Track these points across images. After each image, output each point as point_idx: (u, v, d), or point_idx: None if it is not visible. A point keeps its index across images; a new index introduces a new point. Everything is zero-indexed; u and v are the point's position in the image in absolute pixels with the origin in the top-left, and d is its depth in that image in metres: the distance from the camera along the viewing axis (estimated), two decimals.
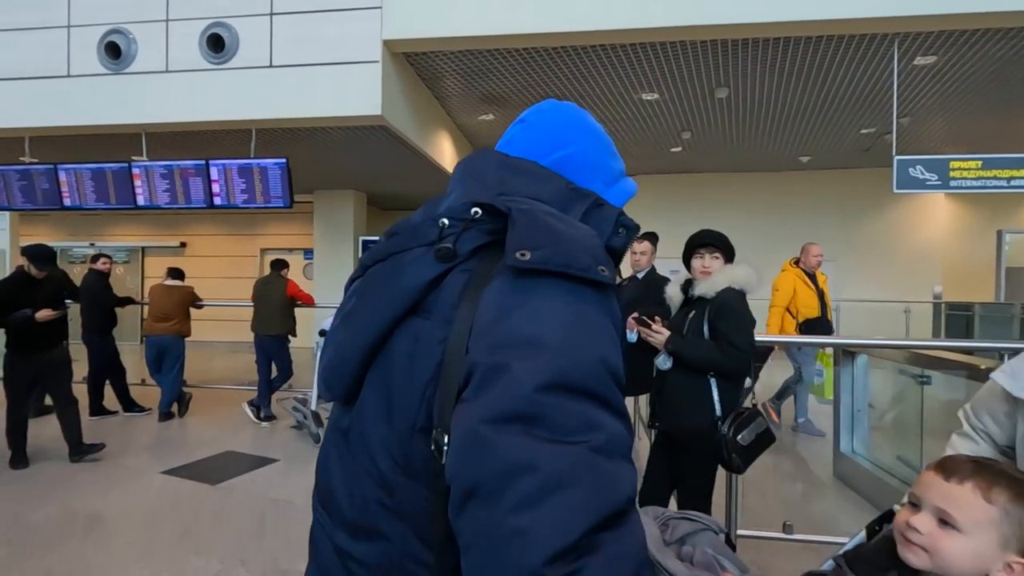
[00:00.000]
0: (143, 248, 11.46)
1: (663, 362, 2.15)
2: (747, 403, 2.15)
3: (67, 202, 5.93)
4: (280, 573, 2.56)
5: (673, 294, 2.28)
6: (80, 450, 4.01)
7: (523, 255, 0.53)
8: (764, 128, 8.03)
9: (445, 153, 7.82)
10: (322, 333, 4.59)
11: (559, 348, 0.51)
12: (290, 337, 5.32)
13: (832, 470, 3.91)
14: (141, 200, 5.79)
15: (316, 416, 4.55)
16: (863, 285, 10.51)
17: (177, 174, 5.69)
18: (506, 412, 0.49)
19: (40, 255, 3.96)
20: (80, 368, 5.54)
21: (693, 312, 2.17)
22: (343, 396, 0.67)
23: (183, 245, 11.66)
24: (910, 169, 5.06)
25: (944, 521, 0.81)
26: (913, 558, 0.84)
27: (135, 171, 5.74)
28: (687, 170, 10.41)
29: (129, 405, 5.33)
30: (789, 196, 10.84)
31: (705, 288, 2.11)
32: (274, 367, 5.28)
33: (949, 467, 0.86)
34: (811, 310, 4.95)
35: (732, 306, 2.04)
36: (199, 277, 10.22)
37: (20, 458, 3.90)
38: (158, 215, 11.49)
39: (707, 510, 2.09)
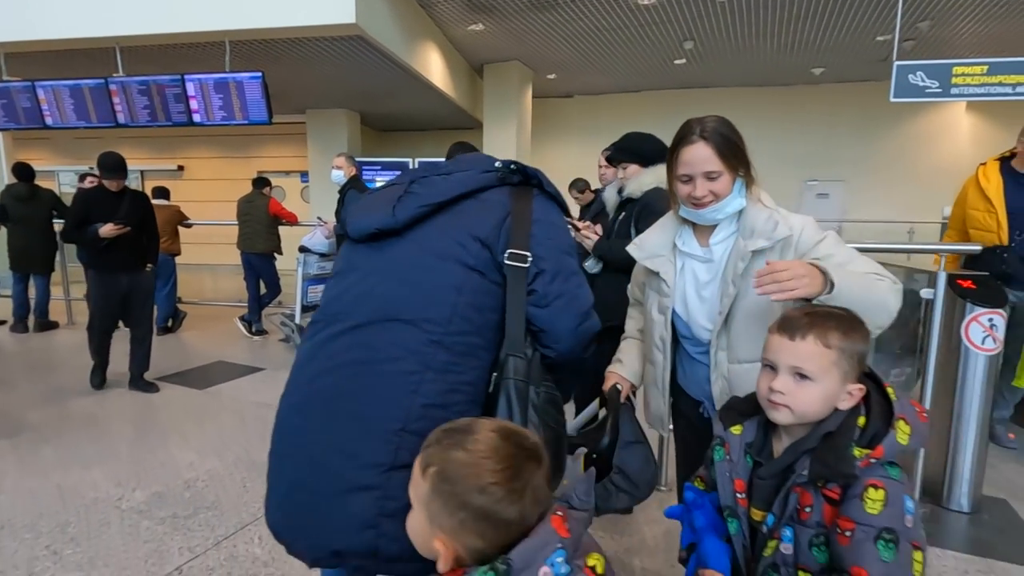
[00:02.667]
0: (142, 172, 11.48)
1: (592, 266, 2.18)
2: None
3: (49, 121, 5.92)
4: (250, 463, 2.78)
5: (609, 197, 2.28)
6: (140, 384, 3.84)
7: (548, 187, 1.13)
8: (773, 35, 7.55)
9: (433, 67, 7.53)
10: (302, 249, 4.68)
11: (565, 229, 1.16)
12: (276, 255, 5.42)
13: None
14: (121, 118, 5.76)
15: (301, 329, 4.72)
16: (874, 206, 10.24)
17: (155, 90, 5.61)
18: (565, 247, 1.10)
19: (111, 164, 3.50)
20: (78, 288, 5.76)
21: (623, 214, 2.17)
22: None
23: (180, 168, 11.66)
24: (910, 76, 4.78)
25: (799, 375, 0.91)
26: (780, 416, 0.94)
27: (112, 87, 5.66)
28: (692, 85, 9.93)
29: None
30: (800, 113, 10.36)
31: (632, 189, 2.10)
32: (263, 284, 5.43)
33: (790, 327, 0.95)
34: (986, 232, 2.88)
35: (652, 206, 2.03)
36: (197, 200, 10.29)
37: (100, 374, 3.82)
38: (155, 138, 11.40)
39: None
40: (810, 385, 0.92)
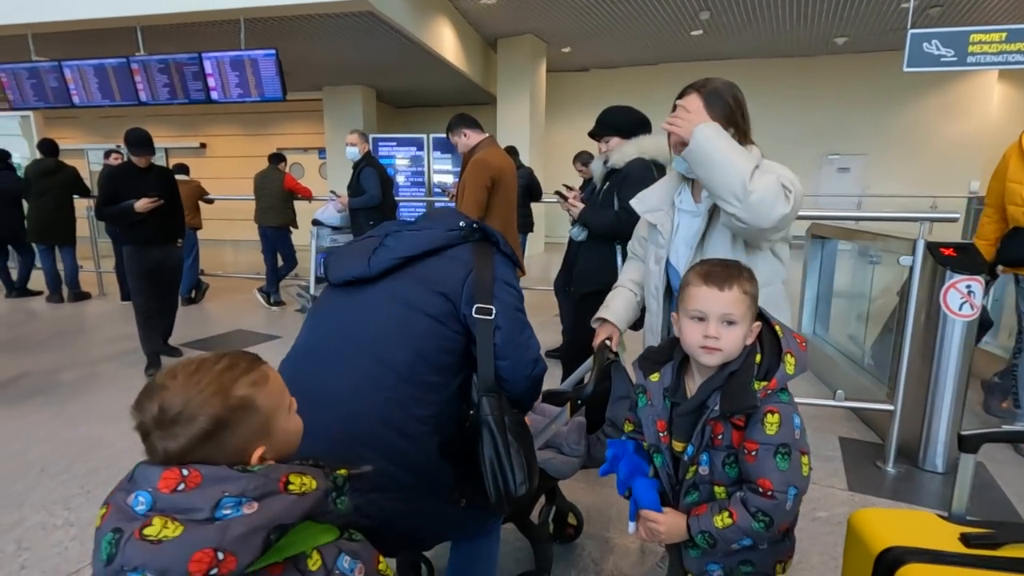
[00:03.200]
0: (166, 149, 11.79)
1: (576, 233, 2.29)
2: None
3: (76, 100, 6.15)
4: None
5: (596, 168, 2.36)
6: (163, 349, 3.93)
7: (504, 248, 1.29)
8: (793, 3, 7.38)
9: (446, 42, 7.56)
10: (315, 223, 4.85)
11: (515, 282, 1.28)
12: (291, 229, 5.60)
13: None
14: (143, 96, 5.96)
15: (316, 300, 4.92)
16: (896, 181, 10.02)
17: (174, 68, 5.78)
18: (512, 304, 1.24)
19: (138, 140, 3.54)
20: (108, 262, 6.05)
21: (607, 184, 2.26)
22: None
23: (203, 146, 11.93)
24: (924, 44, 4.69)
25: (728, 321, 1.04)
26: (712, 359, 1.06)
27: (134, 66, 5.85)
28: (708, 57, 9.76)
29: None
30: (820, 85, 10.12)
31: (615, 159, 2.19)
32: (280, 257, 5.64)
33: (714, 279, 1.06)
34: None
35: (632, 175, 2.12)
36: (219, 177, 10.59)
37: (155, 362, 3.73)
38: (178, 116, 11.67)
39: None
40: (735, 328, 1.04)
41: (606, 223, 2.16)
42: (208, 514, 0.63)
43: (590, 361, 1.62)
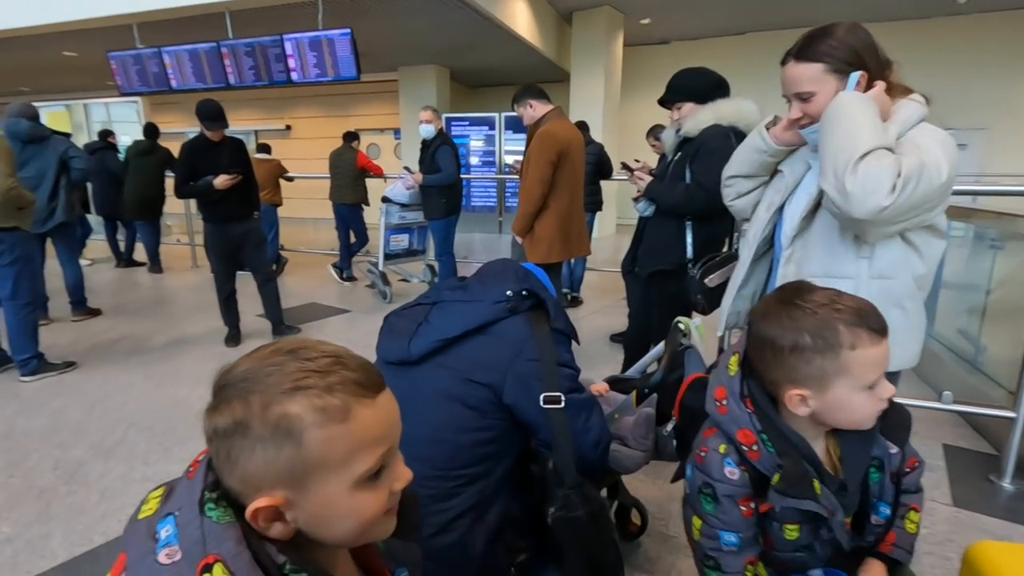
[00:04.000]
0: (256, 131, 12.47)
1: (643, 208, 2.12)
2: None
3: (173, 84, 6.57)
4: None
5: (667, 138, 2.17)
6: (280, 329, 3.99)
7: (555, 323, 1.20)
8: None
9: (519, 17, 7.40)
10: (384, 200, 4.92)
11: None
12: (363, 206, 5.74)
13: None
14: (232, 79, 6.26)
15: (383, 276, 5.02)
16: (1021, 157, 8.83)
17: (259, 51, 6.02)
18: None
19: (210, 112, 3.45)
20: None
21: (679, 155, 2.07)
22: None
23: (288, 128, 12.52)
24: None
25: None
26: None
27: (223, 50, 6.16)
28: (804, 24, 8.91)
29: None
30: (934, 50, 9.03)
31: (689, 127, 1.99)
32: (353, 233, 5.80)
33: (875, 322, 0.81)
34: None
35: (708, 144, 1.92)
36: (303, 158, 11.04)
37: (234, 335, 3.86)
38: (265, 100, 12.30)
39: None
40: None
41: (676, 198, 1.98)
42: (151, 526, 0.50)
43: (660, 347, 1.48)
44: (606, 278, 5.71)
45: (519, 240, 2.94)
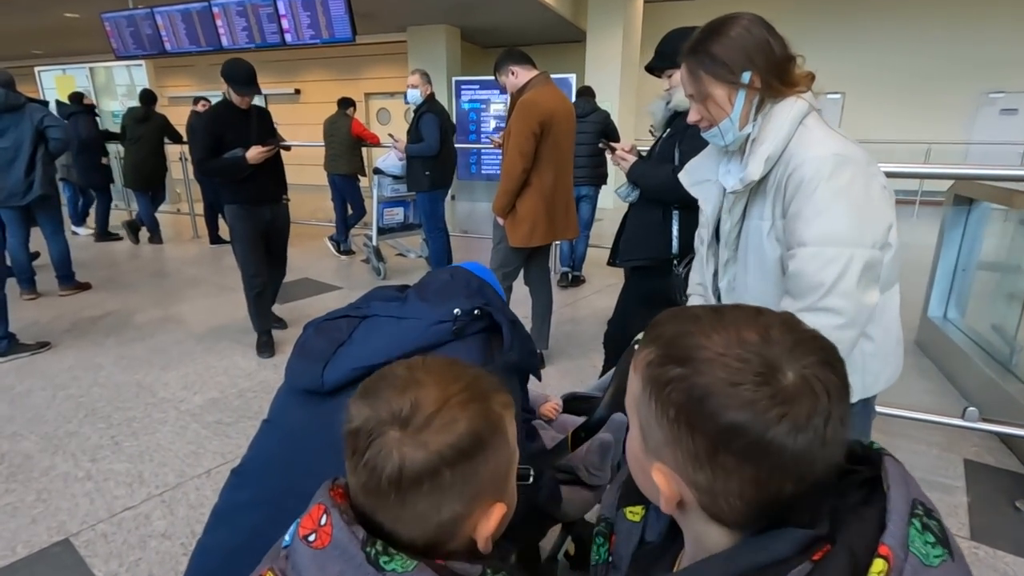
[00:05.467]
0: (265, 96, 12.22)
1: (626, 193, 1.84)
2: None
3: (168, 47, 6.35)
4: None
5: (656, 112, 1.87)
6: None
7: (508, 354, 0.97)
8: None
9: None
10: (376, 171, 4.68)
11: None
12: (359, 177, 5.50)
13: (915, 335, 3.36)
14: (225, 41, 6.01)
15: (378, 251, 4.82)
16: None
17: (250, 11, 5.73)
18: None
19: (243, 75, 2.89)
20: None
21: (668, 132, 1.78)
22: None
23: (297, 92, 12.23)
24: None
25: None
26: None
27: (215, 10, 5.89)
28: None
29: None
30: (983, 3, 8.23)
31: (679, 99, 1.69)
32: (349, 206, 5.58)
33: None
34: None
35: None
36: (313, 124, 10.79)
37: (267, 342, 3.21)
38: (274, 63, 11.99)
39: None
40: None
41: (659, 182, 1.70)
42: None
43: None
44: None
45: (500, 221, 2.69)
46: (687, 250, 1.73)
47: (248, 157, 2.91)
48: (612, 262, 1.99)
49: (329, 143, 5.35)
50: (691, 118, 1.07)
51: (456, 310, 0.95)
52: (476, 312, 0.97)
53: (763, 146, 0.99)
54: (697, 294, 1.30)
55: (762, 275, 1.06)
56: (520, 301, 3.09)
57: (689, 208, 1.73)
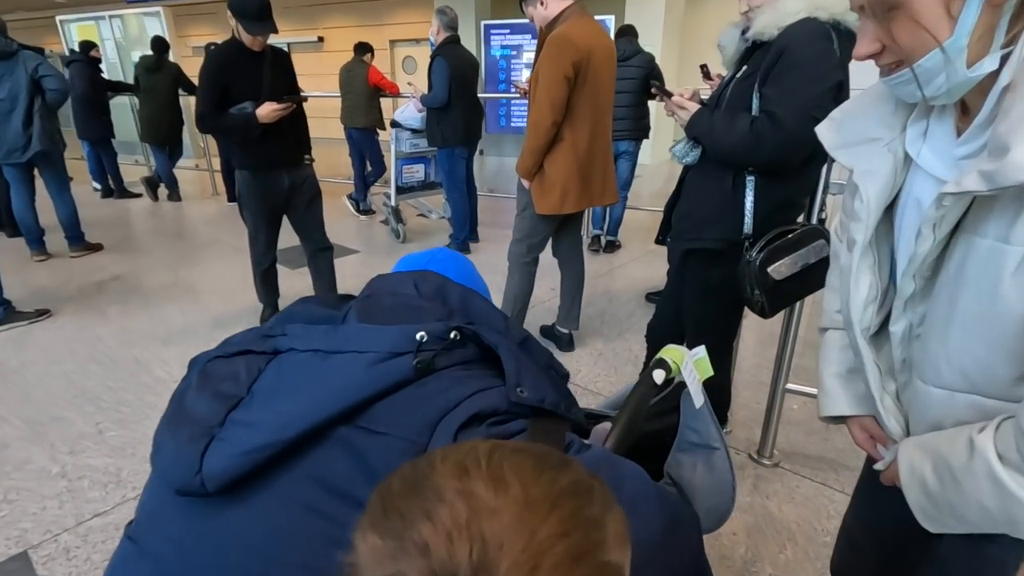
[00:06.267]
0: (288, 44, 11.75)
1: (683, 153, 1.43)
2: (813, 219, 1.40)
3: None
4: None
5: (727, 44, 1.42)
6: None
7: (521, 391, 0.62)
8: None
9: None
10: (394, 124, 4.29)
11: None
12: (379, 131, 5.12)
13: None
14: None
15: (397, 212, 4.49)
16: None
17: None
18: None
19: (255, 9, 2.34)
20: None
21: (743, 70, 1.35)
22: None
23: (320, 40, 11.73)
24: None
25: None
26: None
27: None
28: None
29: None
30: None
31: (763, 24, 1.25)
32: (368, 162, 5.24)
33: None
34: None
35: (796, 50, 1.19)
36: (337, 73, 10.36)
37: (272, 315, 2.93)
38: (298, 8, 11.47)
39: (724, 366, 1.54)
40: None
41: (733, 138, 1.29)
42: None
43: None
44: (654, 219, 4.95)
45: (525, 184, 2.30)
46: (764, 229, 1.33)
47: (259, 115, 2.38)
48: (662, 240, 1.60)
49: (345, 94, 4.95)
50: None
51: (420, 334, 0.61)
52: (453, 336, 0.63)
53: None
54: (834, 327, 0.87)
55: (983, 334, 0.60)
56: (546, 271, 2.74)
57: (771, 174, 1.32)
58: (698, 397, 0.84)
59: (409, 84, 4.04)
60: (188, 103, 6.20)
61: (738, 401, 2.20)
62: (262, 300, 2.99)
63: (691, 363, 0.85)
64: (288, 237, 3.02)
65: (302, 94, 2.72)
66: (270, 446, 0.54)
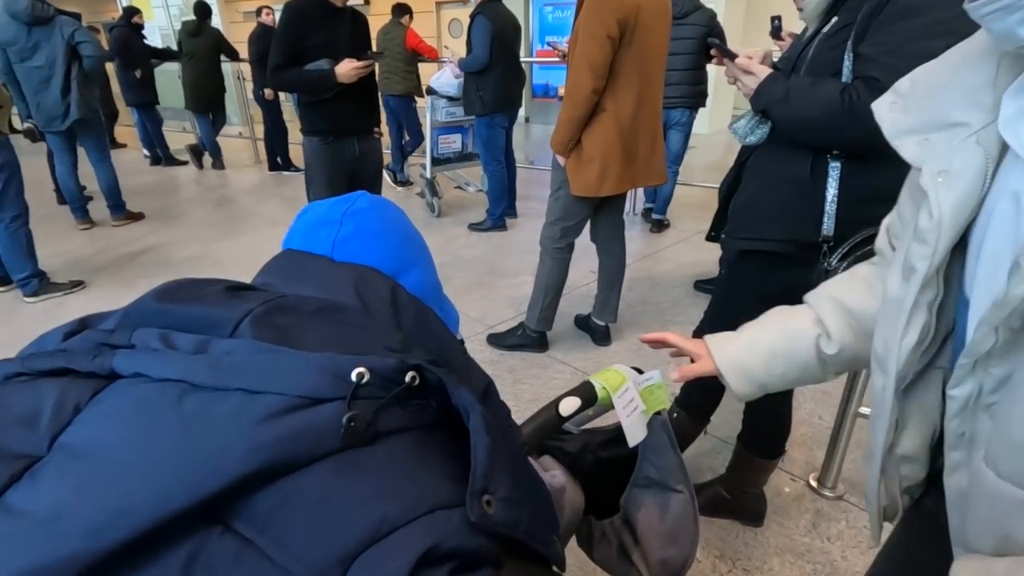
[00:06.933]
0: None
1: (746, 130, 1.15)
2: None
3: None
4: None
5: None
6: None
7: (488, 504, 0.38)
8: None
9: None
10: (429, 91, 4.06)
11: None
12: (416, 98, 4.90)
13: None
14: None
15: (432, 185, 4.31)
16: None
17: None
18: None
19: None
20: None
21: (831, 24, 1.04)
22: None
23: (367, 2, 11.49)
24: None
25: None
26: None
27: None
28: None
29: (287, 164, 5.82)
30: None
31: None
32: (405, 130, 5.05)
33: None
34: None
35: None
36: None
37: None
38: None
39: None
40: None
41: (814, 112, 1.00)
42: None
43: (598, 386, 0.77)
44: (707, 195, 4.56)
45: (560, 160, 2.05)
46: (848, 230, 1.05)
47: (339, 73, 2.20)
48: (714, 236, 1.33)
49: (383, 57, 4.73)
50: None
51: (359, 370, 0.40)
52: (410, 379, 0.42)
53: None
54: (811, 312, 0.74)
55: None
56: (585, 253, 2.50)
57: (863, 160, 1.03)
58: (636, 431, 0.71)
59: (446, 48, 3.77)
60: (230, 70, 6.16)
61: (798, 415, 1.93)
62: None
63: (636, 390, 0.73)
64: None
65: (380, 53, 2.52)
66: (59, 569, 0.31)
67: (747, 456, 1.45)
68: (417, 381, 0.42)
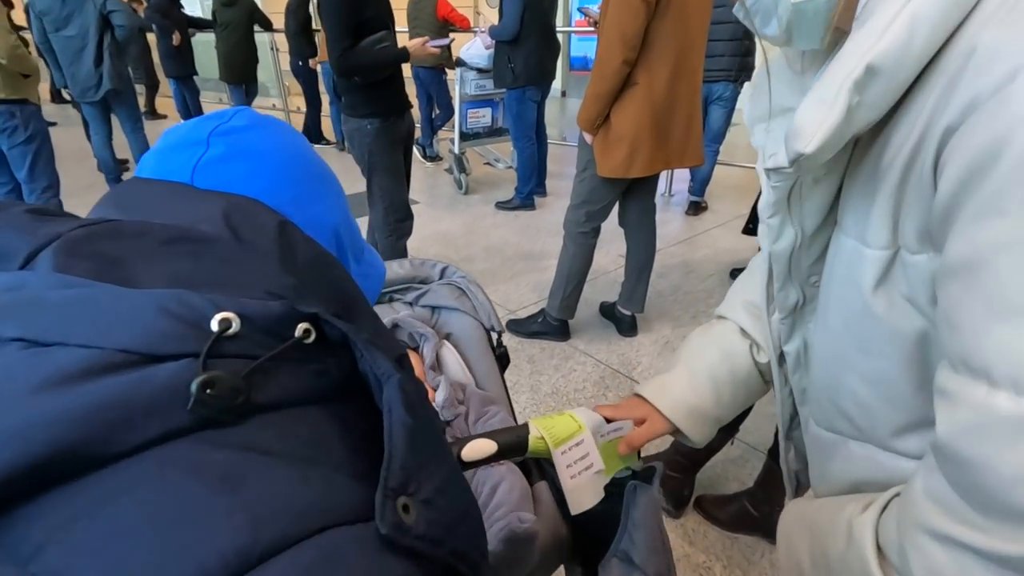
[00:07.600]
0: None
1: None
2: None
3: None
4: None
5: None
6: None
7: (406, 511, 0.27)
8: None
9: None
10: (458, 63, 3.91)
11: None
12: (447, 71, 4.76)
13: None
14: None
15: (460, 160, 4.19)
16: None
17: None
18: None
19: None
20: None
21: None
22: None
23: None
24: None
25: None
26: None
27: None
28: None
29: (317, 137, 5.79)
30: None
31: None
32: (436, 104, 4.93)
33: None
34: None
35: None
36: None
37: None
38: None
39: None
40: None
41: None
42: None
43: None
44: (749, 176, 4.30)
45: (587, 138, 1.90)
46: None
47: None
48: (751, 229, 1.19)
49: (412, 28, 4.59)
50: None
51: (224, 315, 0.28)
52: (303, 331, 0.30)
53: (865, 37, 0.35)
54: (732, 326, 0.67)
55: (855, 363, 0.46)
56: (613, 236, 2.35)
57: None
58: (583, 497, 0.59)
59: (479, 14, 3.61)
60: (266, 40, 6.14)
61: None
62: None
63: (595, 444, 0.59)
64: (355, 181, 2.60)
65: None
66: None
67: (778, 472, 1.32)
68: (312, 336, 0.30)
